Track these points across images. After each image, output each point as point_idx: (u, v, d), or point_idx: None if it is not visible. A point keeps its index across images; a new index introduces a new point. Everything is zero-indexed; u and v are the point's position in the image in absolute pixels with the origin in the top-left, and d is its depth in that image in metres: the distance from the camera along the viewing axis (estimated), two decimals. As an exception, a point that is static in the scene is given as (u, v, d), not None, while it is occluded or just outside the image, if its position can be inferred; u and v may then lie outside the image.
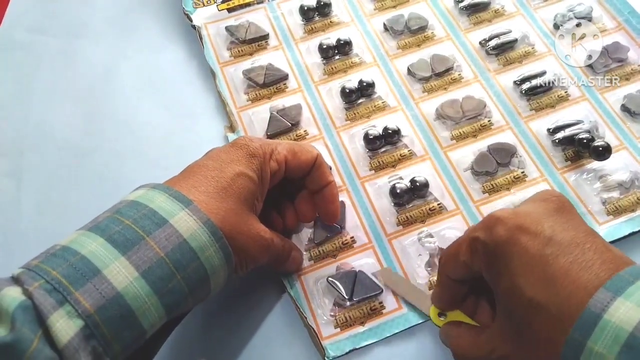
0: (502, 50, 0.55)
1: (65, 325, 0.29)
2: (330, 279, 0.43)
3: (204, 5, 0.60)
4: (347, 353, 0.41)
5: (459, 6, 0.58)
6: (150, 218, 0.33)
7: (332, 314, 0.43)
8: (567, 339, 0.28)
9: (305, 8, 0.58)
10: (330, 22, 0.58)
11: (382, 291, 0.43)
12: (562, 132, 0.50)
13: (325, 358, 0.41)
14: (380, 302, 0.43)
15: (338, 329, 0.42)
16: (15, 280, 0.30)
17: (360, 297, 0.43)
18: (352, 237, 0.46)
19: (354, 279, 0.43)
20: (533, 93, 0.52)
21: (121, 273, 0.31)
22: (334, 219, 0.45)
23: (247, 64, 0.56)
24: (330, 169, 0.47)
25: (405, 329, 0.42)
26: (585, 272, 0.29)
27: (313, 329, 0.42)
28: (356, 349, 0.41)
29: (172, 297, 0.32)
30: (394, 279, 0.44)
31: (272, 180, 0.40)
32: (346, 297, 0.43)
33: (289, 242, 0.44)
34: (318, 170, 0.42)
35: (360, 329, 0.42)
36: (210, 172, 0.37)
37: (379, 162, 0.50)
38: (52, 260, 0.31)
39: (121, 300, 0.30)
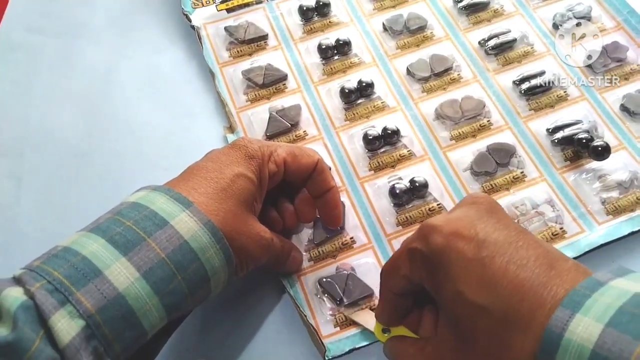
0: (501, 50, 0.55)
1: (66, 326, 0.29)
2: (320, 283, 0.43)
3: (202, 6, 0.60)
4: (347, 352, 0.41)
5: (458, 6, 0.58)
6: (151, 219, 0.33)
7: (331, 313, 0.43)
8: None
9: (304, 8, 0.58)
10: (330, 22, 0.58)
11: (373, 293, 0.43)
12: (561, 132, 0.50)
13: (325, 357, 0.41)
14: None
15: (338, 328, 0.42)
16: (17, 280, 0.30)
17: (351, 300, 0.43)
18: (352, 238, 0.46)
19: (344, 282, 0.43)
20: (532, 93, 0.52)
21: (122, 274, 0.31)
22: (336, 223, 0.45)
23: (246, 64, 0.56)
24: (330, 169, 0.47)
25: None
26: (522, 270, 0.30)
27: (313, 327, 0.42)
28: (356, 348, 0.41)
29: (172, 298, 0.33)
30: None
31: (270, 182, 0.40)
32: (337, 300, 0.43)
33: (289, 242, 0.44)
34: (319, 175, 0.42)
35: (360, 328, 0.42)
36: (210, 173, 0.37)
37: (378, 162, 0.50)
38: (53, 261, 0.31)
39: (122, 301, 0.30)
